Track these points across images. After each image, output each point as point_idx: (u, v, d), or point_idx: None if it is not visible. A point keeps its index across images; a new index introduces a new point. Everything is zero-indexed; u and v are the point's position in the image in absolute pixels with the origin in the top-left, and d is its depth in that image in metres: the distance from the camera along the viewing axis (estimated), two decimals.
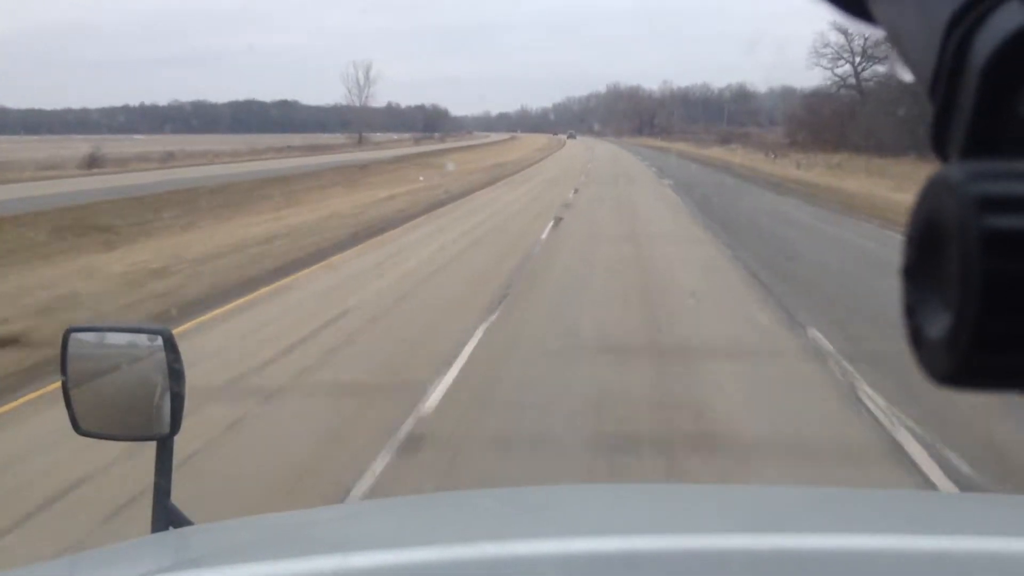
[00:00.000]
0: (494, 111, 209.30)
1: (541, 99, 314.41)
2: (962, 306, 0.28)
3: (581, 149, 71.00)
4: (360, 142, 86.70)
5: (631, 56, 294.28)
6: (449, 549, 1.07)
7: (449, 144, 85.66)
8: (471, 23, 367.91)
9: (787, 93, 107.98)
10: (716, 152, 58.88)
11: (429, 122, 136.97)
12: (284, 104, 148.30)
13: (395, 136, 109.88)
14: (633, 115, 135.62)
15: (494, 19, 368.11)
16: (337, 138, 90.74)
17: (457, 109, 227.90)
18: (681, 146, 75.79)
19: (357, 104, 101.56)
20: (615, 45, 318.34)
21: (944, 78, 0.34)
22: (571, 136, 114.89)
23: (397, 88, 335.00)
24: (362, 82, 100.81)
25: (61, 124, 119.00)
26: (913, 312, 0.32)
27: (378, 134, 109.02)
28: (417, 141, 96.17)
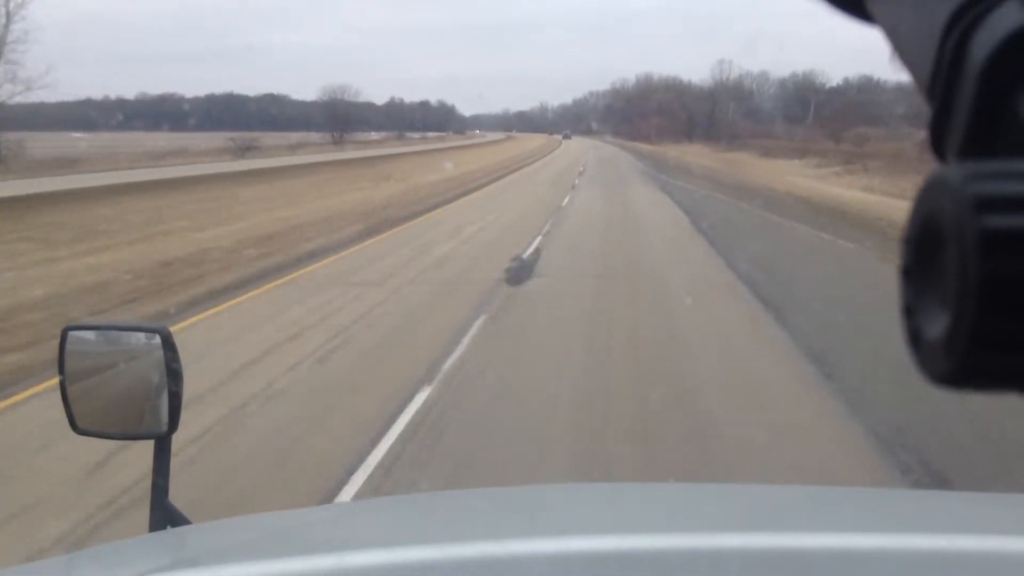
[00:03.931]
0: (513, 108, 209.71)
1: (562, 96, 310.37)
2: (960, 306, 0.28)
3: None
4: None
5: (658, 51, 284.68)
6: (445, 548, 1.07)
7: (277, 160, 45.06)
8: (486, 21, 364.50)
9: (866, 85, 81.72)
10: None
11: (339, 120, 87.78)
12: (271, 98, 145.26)
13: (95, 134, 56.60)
14: (677, 110, 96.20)
15: (512, 16, 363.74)
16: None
17: (476, 107, 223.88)
18: (866, 188, 27.15)
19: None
20: (643, 41, 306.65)
21: (942, 78, 0.35)
22: (566, 136, 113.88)
23: (401, 86, 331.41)
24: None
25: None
26: (912, 313, 0.32)
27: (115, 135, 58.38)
28: (293, 149, 57.25)
